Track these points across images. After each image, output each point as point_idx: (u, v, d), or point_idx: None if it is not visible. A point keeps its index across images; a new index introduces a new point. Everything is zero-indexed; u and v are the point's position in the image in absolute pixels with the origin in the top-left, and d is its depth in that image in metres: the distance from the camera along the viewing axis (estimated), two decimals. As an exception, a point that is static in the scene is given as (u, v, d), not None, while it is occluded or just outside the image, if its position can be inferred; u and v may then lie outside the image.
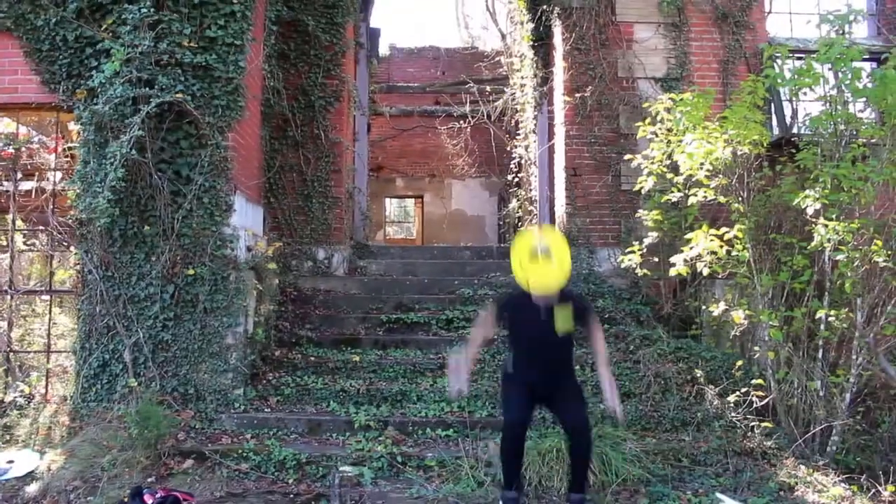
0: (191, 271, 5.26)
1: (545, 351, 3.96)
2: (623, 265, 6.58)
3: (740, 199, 5.64)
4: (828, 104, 5.42)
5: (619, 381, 5.71)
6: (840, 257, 4.93)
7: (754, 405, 5.31)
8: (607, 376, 3.98)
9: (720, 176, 5.68)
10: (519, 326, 4.05)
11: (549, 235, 3.85)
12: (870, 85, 5.24)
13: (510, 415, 3.98)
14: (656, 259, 6.69)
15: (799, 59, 6.29)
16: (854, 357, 5.09)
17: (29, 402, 5.50)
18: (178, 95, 5.10)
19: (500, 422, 5.16)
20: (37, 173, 6.45)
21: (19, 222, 5.97)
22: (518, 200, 11.40)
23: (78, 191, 5.06)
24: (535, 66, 9.04)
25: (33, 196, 6.17)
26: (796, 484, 4.59)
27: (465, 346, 4.28)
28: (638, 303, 7.02)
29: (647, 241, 6.52)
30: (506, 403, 4.12)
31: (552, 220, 8.47)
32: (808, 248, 5.17)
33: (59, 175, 6.01)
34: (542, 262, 3.72)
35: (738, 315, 5.41)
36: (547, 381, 3.97)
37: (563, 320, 3.89)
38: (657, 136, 6.34)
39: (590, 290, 7.16)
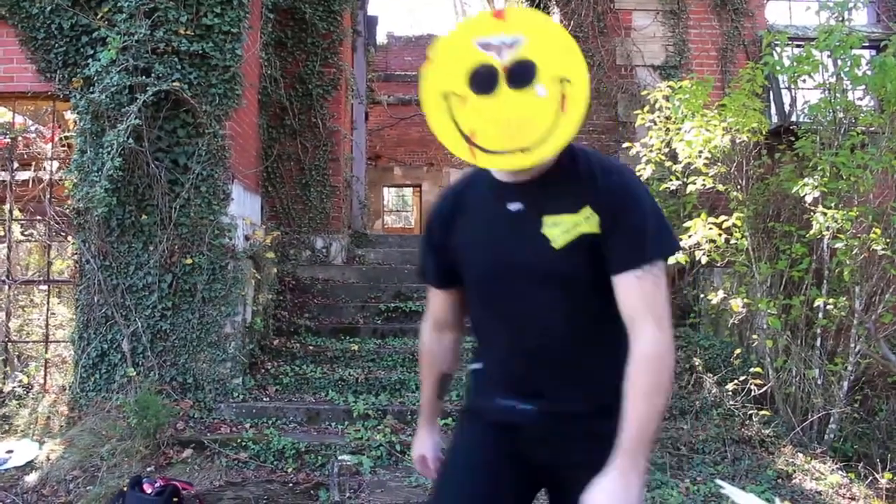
0: (189, 261, 5.24)
1: (529, 318, 1.58)
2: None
3: (739, 187, 5.62)
4: (827, 92, 5.40)
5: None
6: (838, 245, 4.91)
7: (752, 393, 5.31)
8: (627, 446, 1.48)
9: (719, 164, 5.65)
10: (470, 267, 1.67)
11: (521, 22, 1.44)
12: (869, 72, 5.21)
13: None
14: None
15: (798, 46, 6.26)
16: (852, 345, 5.09)
17: (28, 392, 5.49)
18: (174, 84, 5.05)
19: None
20: (33, 163, 6.41)
21: (16, 212, 5.93)
22: (516, 189, 11.38)
23: (75, 180, 5.03)
24: (533, 54, 8.99)
25: (30, 186, 6.14)
26: (794, 472, 4.60)
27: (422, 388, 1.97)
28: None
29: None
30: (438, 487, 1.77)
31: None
32: (807, 236, 5.16)
33: (55, 164, 5.97)
34: (505, 91, 1.42)
35: (737, 303, 5.40)
36: (545, 421, 1.61)
37: (564, 233, 1.52)
38: (655, 124, 6.31)
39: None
